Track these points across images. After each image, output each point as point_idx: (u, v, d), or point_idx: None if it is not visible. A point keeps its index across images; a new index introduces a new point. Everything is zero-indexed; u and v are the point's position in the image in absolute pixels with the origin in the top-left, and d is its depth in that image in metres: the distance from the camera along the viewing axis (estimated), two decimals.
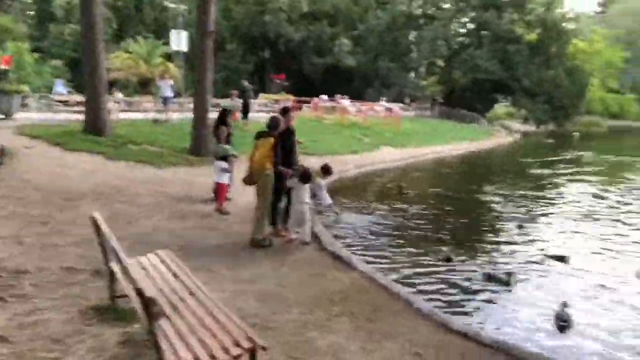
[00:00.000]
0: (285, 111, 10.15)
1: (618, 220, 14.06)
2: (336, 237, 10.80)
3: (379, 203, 15.43)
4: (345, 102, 37.82)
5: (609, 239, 11.97)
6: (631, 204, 16.80)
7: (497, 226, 13.34)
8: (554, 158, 29.42)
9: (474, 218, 14.37)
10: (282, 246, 9.16)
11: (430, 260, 9.84)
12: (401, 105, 45.62)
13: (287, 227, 9.61)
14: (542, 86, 47.55)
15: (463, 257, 10.10)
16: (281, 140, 9.43)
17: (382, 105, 40.79)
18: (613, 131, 60.85)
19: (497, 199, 16.89)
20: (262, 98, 40.00)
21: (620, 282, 9.03)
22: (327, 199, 12.49)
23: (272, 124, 9.42)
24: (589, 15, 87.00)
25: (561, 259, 10.06)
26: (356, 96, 41.39)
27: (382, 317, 6.36)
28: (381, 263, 9.41)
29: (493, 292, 8.35)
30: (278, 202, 9.87)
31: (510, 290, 8.48)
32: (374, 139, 29.45)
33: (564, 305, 7.26)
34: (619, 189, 20.07)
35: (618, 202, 17.12)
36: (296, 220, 9.35)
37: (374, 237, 11.51)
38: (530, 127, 52.43)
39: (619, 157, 32.71)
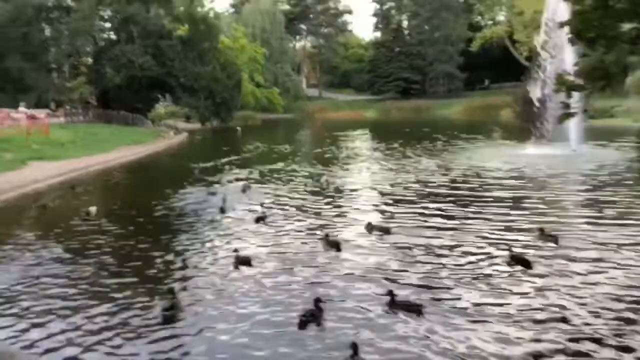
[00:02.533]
0: None
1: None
2: None
3: (45, 240, 10.84)
4: None
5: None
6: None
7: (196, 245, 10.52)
8: (231, 157, 28.05)
9: (165, 239, 11.10)
10: None
11: (144, 317, 6.90)
12: (47, 111, 38.30)
13: None
14: (200, 81, 46.50)
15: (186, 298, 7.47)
16: None
17: (22, 112, 33.15)
18: (266, 124, 65.01)
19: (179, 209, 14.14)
20: None
21: None
22: None
23: None
24: (225, 14, 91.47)
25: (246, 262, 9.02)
26: None
27: None
28: (71, 344, 6.24)
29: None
30: None
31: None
32: (18, 153, 23.04)
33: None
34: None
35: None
36: None
37: (48, 301, 7.52)
38: (196, 125, 51.21)
39: (290, 146, 33.79)
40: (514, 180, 16.92)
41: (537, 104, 25.62)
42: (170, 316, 6.68)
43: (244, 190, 16.30)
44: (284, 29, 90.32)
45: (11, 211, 14.56)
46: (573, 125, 23.57)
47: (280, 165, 23.37)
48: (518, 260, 8.88)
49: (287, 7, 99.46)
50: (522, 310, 7.01)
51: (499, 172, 18.96)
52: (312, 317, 6.62)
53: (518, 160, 21.63)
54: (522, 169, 19.33)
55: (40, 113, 35.02)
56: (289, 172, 21.27)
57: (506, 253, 8.99)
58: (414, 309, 6.91)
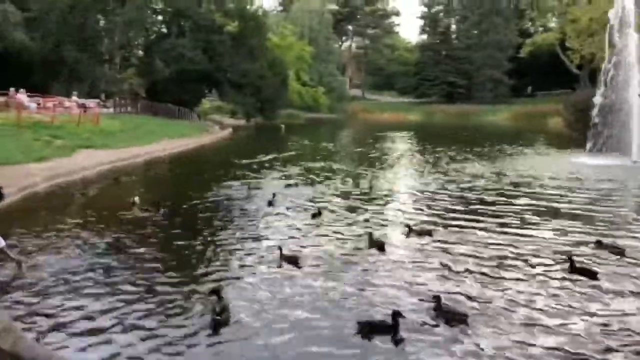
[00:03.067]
0: None
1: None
2: (21, 318, 6.40)
3: (88, 229, 10.70)
4: (22, 97, 30.00)
5: None
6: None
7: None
8: (276, 154, 27.93)
9: (210, 233, 10.80)
10: None
11: (190, 321, 6.50)
12: (97, 101, 39.09)
13: None
14: (247, 78, 46.74)
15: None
16: None
17: (74, 100, 33.87)
18: (310, 123, 64.86)
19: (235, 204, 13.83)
20: None
21: None
22: None
23: None
24: (273, 12, 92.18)
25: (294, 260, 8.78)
26: (40, 91, 33.32)
27: None
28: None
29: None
30: None
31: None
32: (69, 140, 23.41)
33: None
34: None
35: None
36: None
37: (100, 298, 7.17)
38: (240, 121, 51.49)
39: (334, 146, 33.55)
40: (570, 191, 16.09)
41: (596, 111, 24.45)
42: (222, 322, 6.27)
43: (288, 186, 16.22)
44: (331, 29, 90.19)
45: (57, 197, 14.65)
46: (636, 136, 22.52)
47: (324, 164, 23.06)
48: (581, 271, 8.31)
49: (335, 7, 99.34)
50: (583, 322, 6.53)
51: (555, 181, 18.15)
52: (379, 329, 6.23)
53: (574, 169, 20.70)
54: (579, 179, 18.45)
55: (91, 102, 35.73)
56: (333, 171, 20.96)
57: (565, 264, 8.44)
58: (459, 318, 6.52)
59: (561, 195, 15.17)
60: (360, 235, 10.44)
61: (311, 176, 19.08)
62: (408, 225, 10.80)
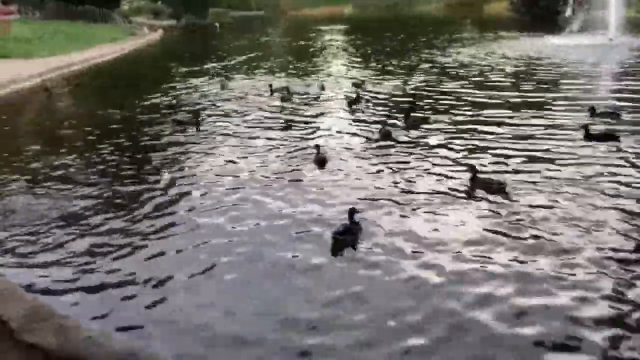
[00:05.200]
0: None
1: None
2: None
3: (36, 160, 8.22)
4: None
5: None
6: None
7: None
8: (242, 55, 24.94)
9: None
10: None
11: None
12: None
13: None
14: None
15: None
16: None
17: None
18: (238, 21, 59.92)
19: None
20: None
21: None
22: None
23: None
24: None
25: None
26: None
27: None
28: None
29: None
30: None
31: None
32: None
33: None
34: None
35: None
36: None
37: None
38: (167, 22, 46.31)
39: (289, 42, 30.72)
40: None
41: None
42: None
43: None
44: None
45: None
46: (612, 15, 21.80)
47: (291, 59, 20.78)
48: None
49: None
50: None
51: (554, 61, 16.98)
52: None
53: (556, 50, 19.63)
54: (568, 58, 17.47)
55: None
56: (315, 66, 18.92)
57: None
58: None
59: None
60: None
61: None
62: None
